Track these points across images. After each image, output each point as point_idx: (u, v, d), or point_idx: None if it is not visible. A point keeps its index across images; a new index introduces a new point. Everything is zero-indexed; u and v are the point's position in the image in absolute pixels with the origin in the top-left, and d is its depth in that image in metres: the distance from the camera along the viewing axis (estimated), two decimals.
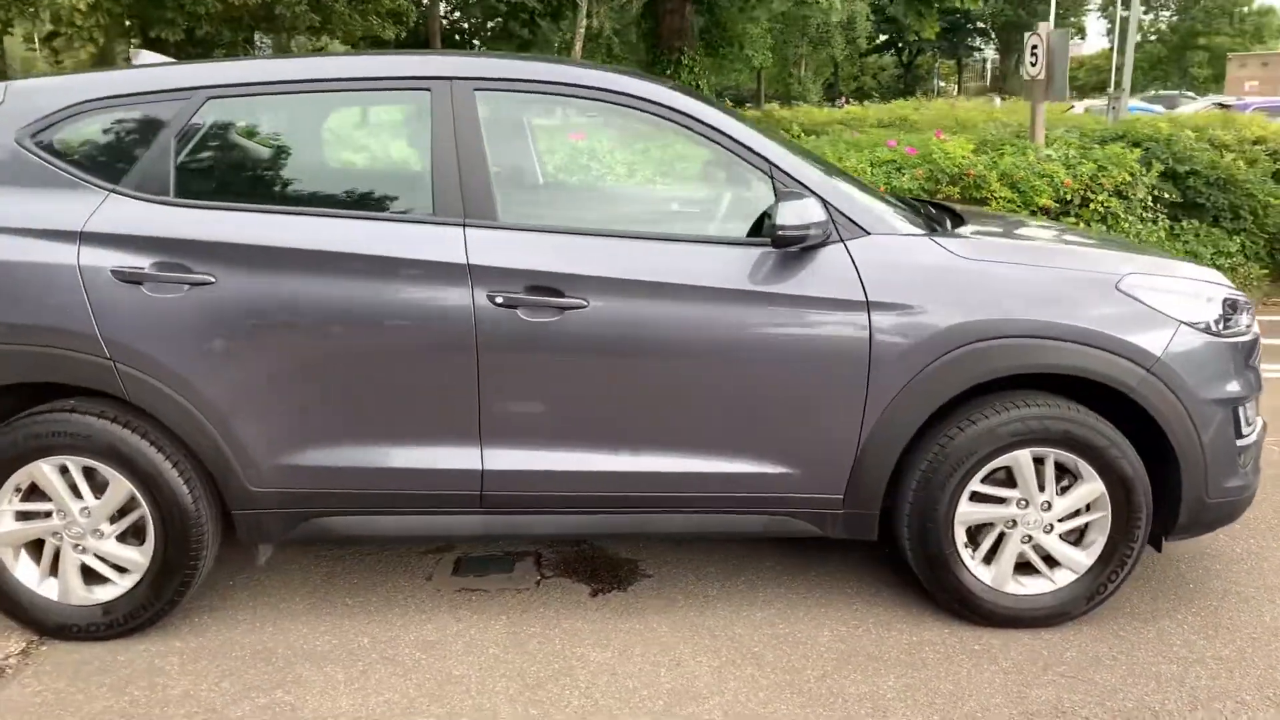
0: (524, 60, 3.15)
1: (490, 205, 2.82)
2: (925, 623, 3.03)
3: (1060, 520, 2.94)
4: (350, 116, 3.30)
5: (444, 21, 23.41)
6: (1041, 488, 2.91)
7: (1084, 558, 2.96)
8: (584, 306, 2.77)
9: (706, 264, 2.83)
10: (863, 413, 2.83)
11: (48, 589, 2.94)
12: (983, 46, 60.61)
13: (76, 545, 2.90)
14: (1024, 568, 3.00)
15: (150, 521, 2.87)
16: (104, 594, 2.94)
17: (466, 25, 31.02)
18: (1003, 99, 27.25)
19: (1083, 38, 62.95)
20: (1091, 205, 6.65)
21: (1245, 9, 55.97)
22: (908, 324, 2.78)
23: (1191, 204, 7.53)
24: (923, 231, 2.92)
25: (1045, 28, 6.54)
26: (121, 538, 2.92)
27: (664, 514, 2.95)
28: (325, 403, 2.83)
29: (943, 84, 62.75)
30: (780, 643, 2.94)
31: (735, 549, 3.51)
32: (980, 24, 55.34)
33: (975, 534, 2.98)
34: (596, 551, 3.52)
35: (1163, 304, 2.87)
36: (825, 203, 2.78)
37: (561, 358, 2.81)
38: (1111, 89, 13.18)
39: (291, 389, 2.81)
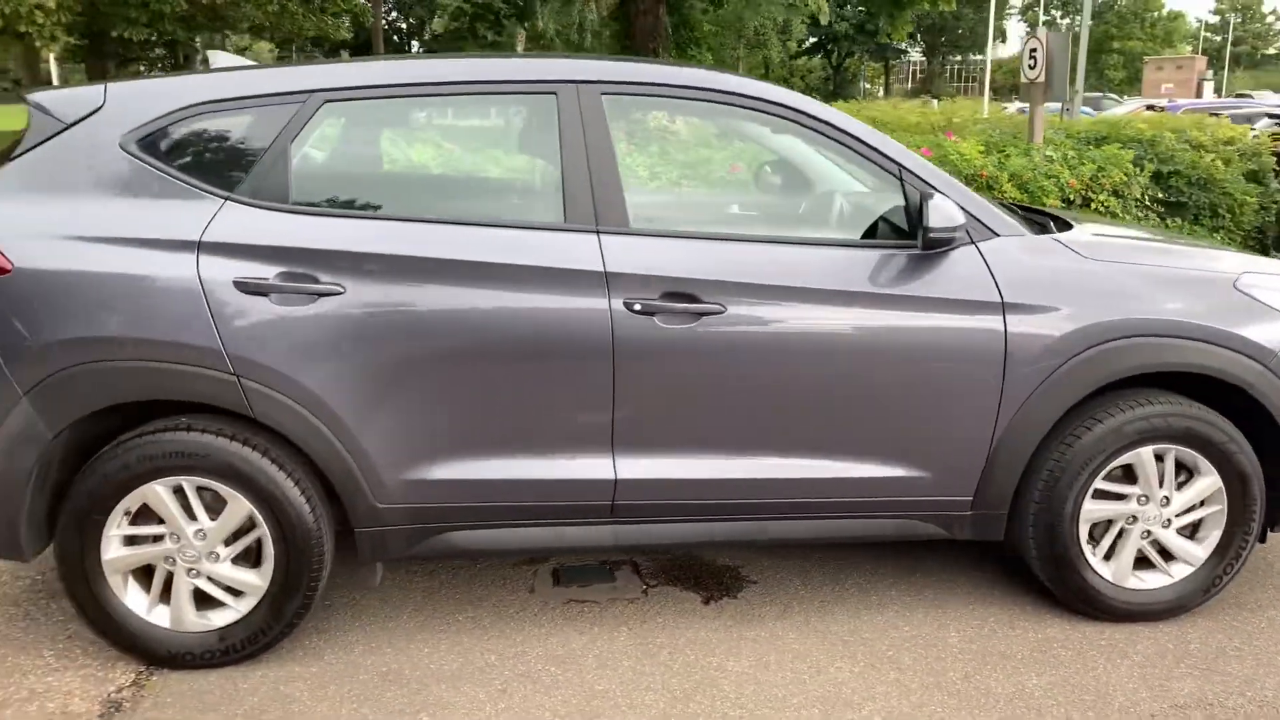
0: (651, 64, 3.10)
1: (622, 211, 2.77)
2: (1045, 620, 3.07)
3: (1178, 515, 3.00)
4: (472, 121, 3.20)
5: (384, 23, 23.06)
6: (1160, 483, 2.97)
7: (1200, 551, 3.02)
8: (721, 312, 2.73)
9: (839, 267, 2.82)
10: (996, 415, 2.85)
11: (158, 616, 2.80)
12: (908, 49, 61.85)
13: (190, 569, 2.77)
14: (1140, 563, 3.05)
15: (269, 542, 2.75)
16: (219, 619, 2.81)
17: (404, 26, 30.48)
18: (937, 100, 27.85)
19: (1004, 41, 64.68)
20: (1092, 205, 6.82)
21: (1155, 14, 58.10)
22: (1042, 325, 2.81)
23: (1175, 203, 7.78)
24: (1046, 233, 2.95)
25: (1043, 31, 6.69)
26: (236, 560, 2.79)
27: (796, 520, 2.94)
28: (455, 414, 2.75)
29: (868, 86, 63.87)
30: (912, 645, 2.95)
31: (832, 553, 3.51)
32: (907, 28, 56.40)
33: (1095, 531, 3.02)
34: (693, 559, 3.49)
35: (1277, 302, 2.95)
36: (957, 205, 2.79)
37: (697, 363, 2.77)
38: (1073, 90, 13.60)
39: (421, 401, 2.72)
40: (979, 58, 69.13)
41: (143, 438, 2.67)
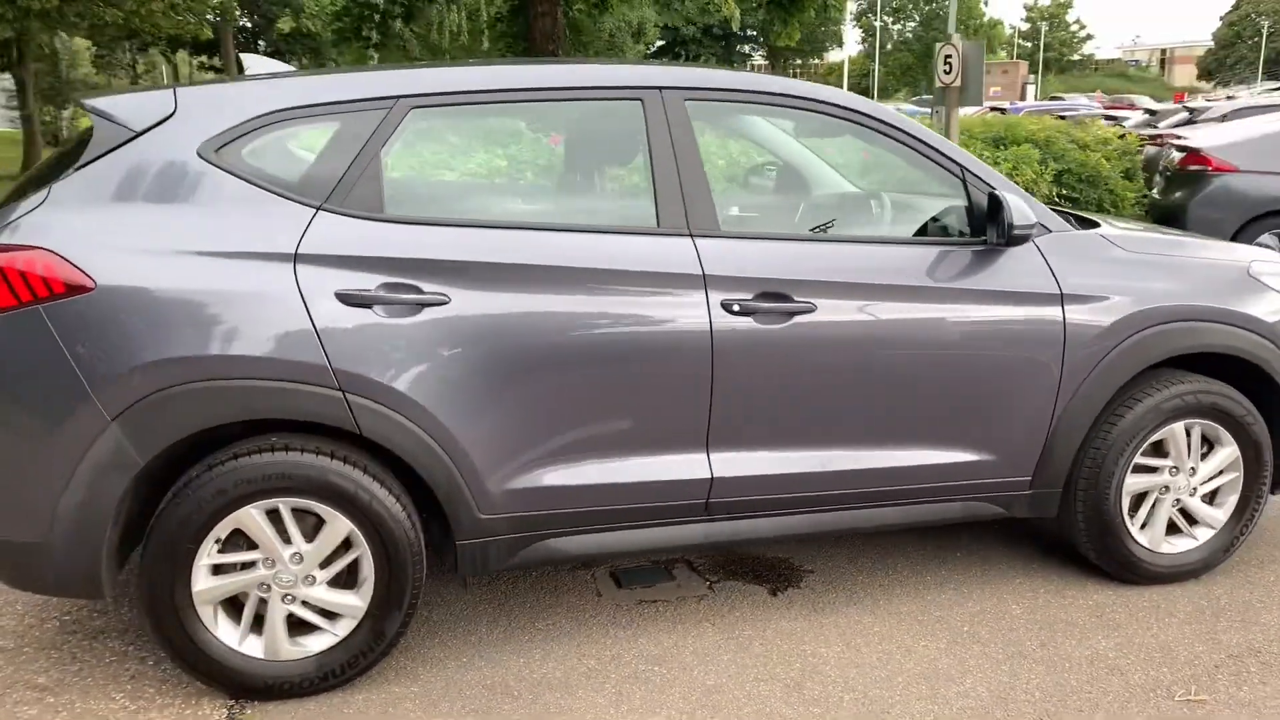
0: (731, 71, 3.15)
1: (712, 215, 2.83)
2: (1088, 588, 3.30)
3: (1202, 484, 3.29)
4: (557, 126, 3.17)
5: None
6: (1189, 455, 3.25)
7: (1221, 515, 3.32)
8: (811, 310, 2.83)
9: (913, 264, 2.97)
10: (1055, 399, 3.06)
11: (250, 647, 2.67)
12: (752, 53, 63.52)
13: (285, 595, 2.66)
14: (1169, 529, 3.32)
15: (368, 561, 2.68)
16: (316, 645, 2.71)
17: (248, 25, 29.29)
18: None
19: (840, 45, 67.35)
20: None
21: (978, 22, 61.72)
22: (1096, 313, 3.04)
23: (1069, 198, 8.39)
24: (1089, 228, 3.18)
25: (958, 39, 7.10)
26: (331, 582, 2.70)
27: (874, 508, 3.06)
28: (558, 420, 2.74)
29: None
30: (982, 619, 3.12)
31: (873, 540, 3.66)
32: (751, 32, 57.95)
33: (1134, 503, 3.27)
34: (744, 554, 3.57)
35: (1268, 279, 3.28)
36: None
37: (789, 361, 2.86)
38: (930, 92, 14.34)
39: (526, 408, 2.70)
40: (817, 61, 71.82)
41: (238, 460, 2.55)
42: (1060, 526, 3.30)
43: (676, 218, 2.80)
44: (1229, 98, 28.79)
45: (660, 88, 2.85)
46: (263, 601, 2.66)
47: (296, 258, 2.55)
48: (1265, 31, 76.18)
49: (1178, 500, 3.28)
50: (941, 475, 3.05)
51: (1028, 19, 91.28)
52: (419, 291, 2.60)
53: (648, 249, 2.78)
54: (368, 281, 2.57)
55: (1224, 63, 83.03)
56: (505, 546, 2.80)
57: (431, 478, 2.66)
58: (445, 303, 2.61)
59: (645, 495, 2.85)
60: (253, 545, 2.62)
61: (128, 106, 2.63)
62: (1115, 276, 3.08)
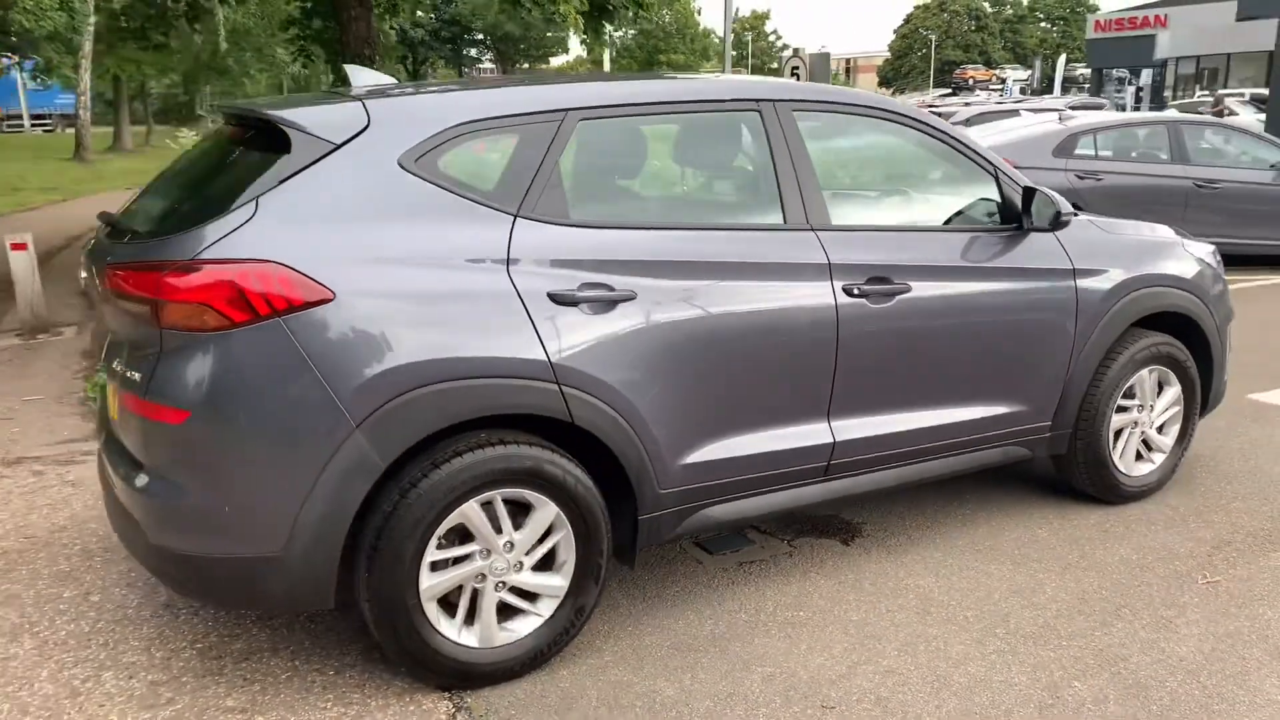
0: (818, 85, 3.53)
1: (824, 211, 3.24)
2: (1082, 510, 4.02)
3: (1158, 417, 4.09)
4: (694, 134, 3.41)
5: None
6: (1150, 395, 4.04)
7: (1169, 441, 4.15)
8: (908, 290, 3.31)
9: (972, 247, 3.52)
10: (1070, 354, 3.73)
11: (467, 637, 2.78)
12: (480, 56, 63.52)
13: (499, 583, 2.80)
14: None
15: (569, 542, 2.87)
16: (524, 628, 2.86)
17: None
18: None
19: (566, 50, 68.74)
20: None
21: (694, 31, 65.17)
22: (1096, 282, 3.74)
23: None
24: (1079, 214, 3.88)
25: (805, 51, 7.87)
26: (535, 567, 2.86)
27: (947, 458, 3.59)
28: (718, 398, 3.04)
29: None
30: (1025, 545, 3.74)
31: (901, 497, 4.17)
32: (479, 35, 57.97)
33: (1114, 437, 4.01)
34: (793, 515, 3.98)
35: (1204, 256, 4.14)
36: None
37: (892, 335, 3.32)
38: None
39: (694, 389, 2.98)
40: (545, 66, 72.84)
41: (463, 457, 2.66)
42: (1061, 463, 3.99)
43: (799, 214, 3.18)
44: (924, 104, 32.54)
45: (774, 100, 3.23)
46: (475, 592, 2.78)
47: (509, 262, 2.70)
48: (933, 44, 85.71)
49: (1143, 433, 4.07)
50: (994, 425, 3.64)
51: (733, 30, 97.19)
52: (611, 289, 2.82)
53: (787, 242, 3.14)
54: (571, 282, 2.77)
55: (900, 71, 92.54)
56: (673, 518, 3.07)
57: (625, 458, 2.89)
58: (633, 298, 2.85)
59: (781, 462, 3.22)
60: (467, 538, 2.74)
61: (322, 120, 2.66)
62: (1106, 252, 3.80)
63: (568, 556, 2.87)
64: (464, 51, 60.89)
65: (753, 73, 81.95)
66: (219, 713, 2.72)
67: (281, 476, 2.50)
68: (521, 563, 2.82)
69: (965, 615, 3.22)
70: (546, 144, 2.85)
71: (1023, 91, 63.43)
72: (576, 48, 73.94)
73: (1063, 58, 61.86)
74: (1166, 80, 44.00)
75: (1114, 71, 49.27)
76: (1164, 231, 4.20)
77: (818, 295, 3.16)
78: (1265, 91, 31.45)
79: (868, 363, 3.30)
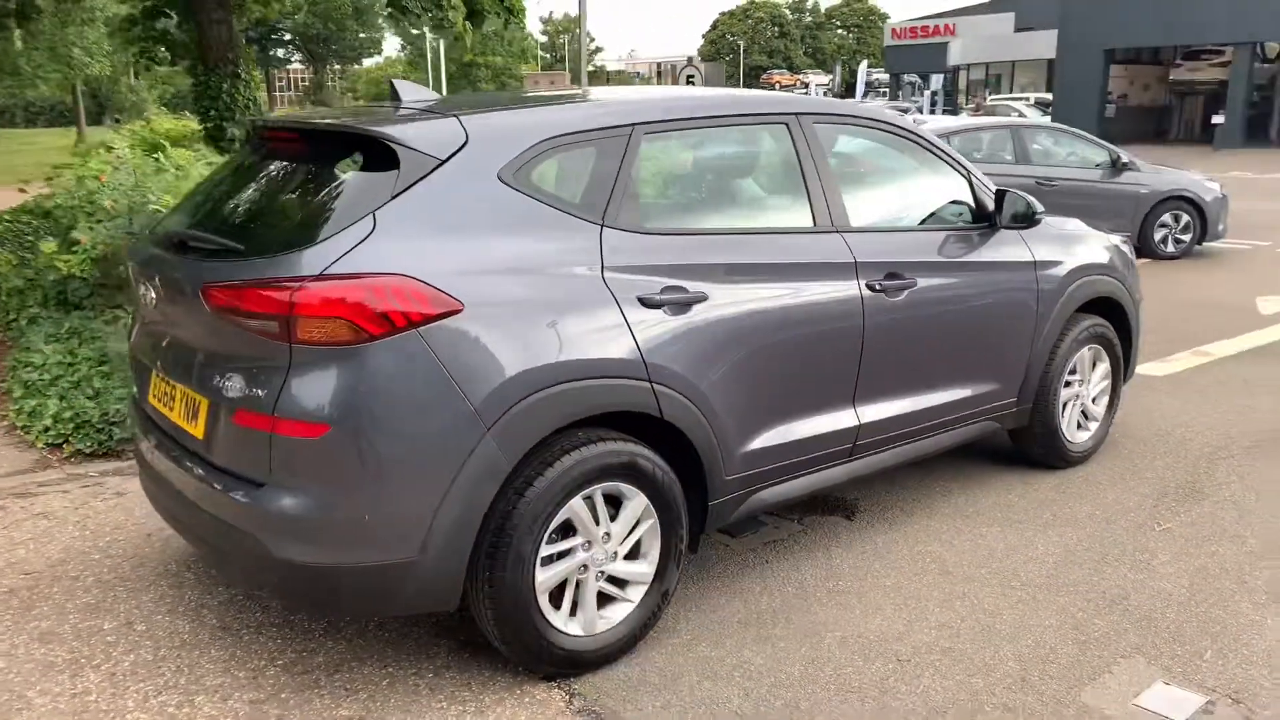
0: (828, 100, 3.82)
1: (845, 213, 3.55)
2: (1039, 475, 4.51)
3: (1094, 389, 4.65)
4: (733, 145, 3.59)
5: None
6: (1090, 371, 4.59)
7: (1101, 410, 4.72)
8: (914, 286, 3.67)
9: (957, 244, 3.91)
10: (1032, 337, 4.20)
11: (573, 627, 2.92)
12: (289, 57, 61.14)
13: (598, 573, 2.95)
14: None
15: (655, 530, 3.05)
16: (618, 614, 3.02)
17: None
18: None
19: (379, 53, 67.21)
20: None
21: (513, 34, 64.94)
22: (1052, 272, 4.23)
23: None
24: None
25: (698, 59, 8.21)
26: (626, 556, 3.02)
27: (940, 434, 3.98)
28: (771, 389, 3.29)
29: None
30: (1003, 509, 4.18)
31: (882, 476, 4.52)
32: (288, 36, 55.84)
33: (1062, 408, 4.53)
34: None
35: (1121, 246, 4.73)
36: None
37: (902, 325, 3.66)
38: None
39: (753, 382, 3.22)
40: (358, 68, 70.85)
41: (570, 455, 2.80)
42: (1021, 434, 4.46)
43: (826, 217, 3.48)
44: None
45: (798, 113, 3.51)
46: (578, 583, 2.92)
47: (603, 269, 2.86)
48: (742, 48, 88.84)
49: (1082, 404, 4.61)
50: (977, 403, 4.06)
51: (544, 32, 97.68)
52: (686, 291, 3.02)
53: (823, 244, 3.43)
54: (653, 286, 2.95)
55: None
56: (734, 503, 3.30)
57: (701, 449, 3.10)
58: (705, 299, 3.06)
59: (818, 446, 3.50)
60: (570, 533, 2.88)
61: (426, 136, 2.73)
62: (1056, 245, 4.30)
63: (653, 544, 3.05)
64: (271, 52, 58.50)
65: (570, 79, 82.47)
66: (349, 713, 2.74)
67: (420, 483, 2.57)
68: (616, 552, 2.98)
69: (980, 573, 3.61)
70: (620, 157, 3.02)
71: (825, 96, 67.08)
72: (390, 49, 72.32)
73: (864, 63, 65.49)
74: (959, 85, 47.42)
75: (905, 77, 52.85)
76: (1081, 225, 4.76)
77: (848, 291, 3.46)
78: (1048, 95, 34.81)
79: (885, 351, 3.63)
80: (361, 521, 2.55)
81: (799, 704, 2.82)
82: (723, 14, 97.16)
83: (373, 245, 2.55)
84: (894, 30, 53.86)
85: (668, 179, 3.29)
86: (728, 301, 3.12)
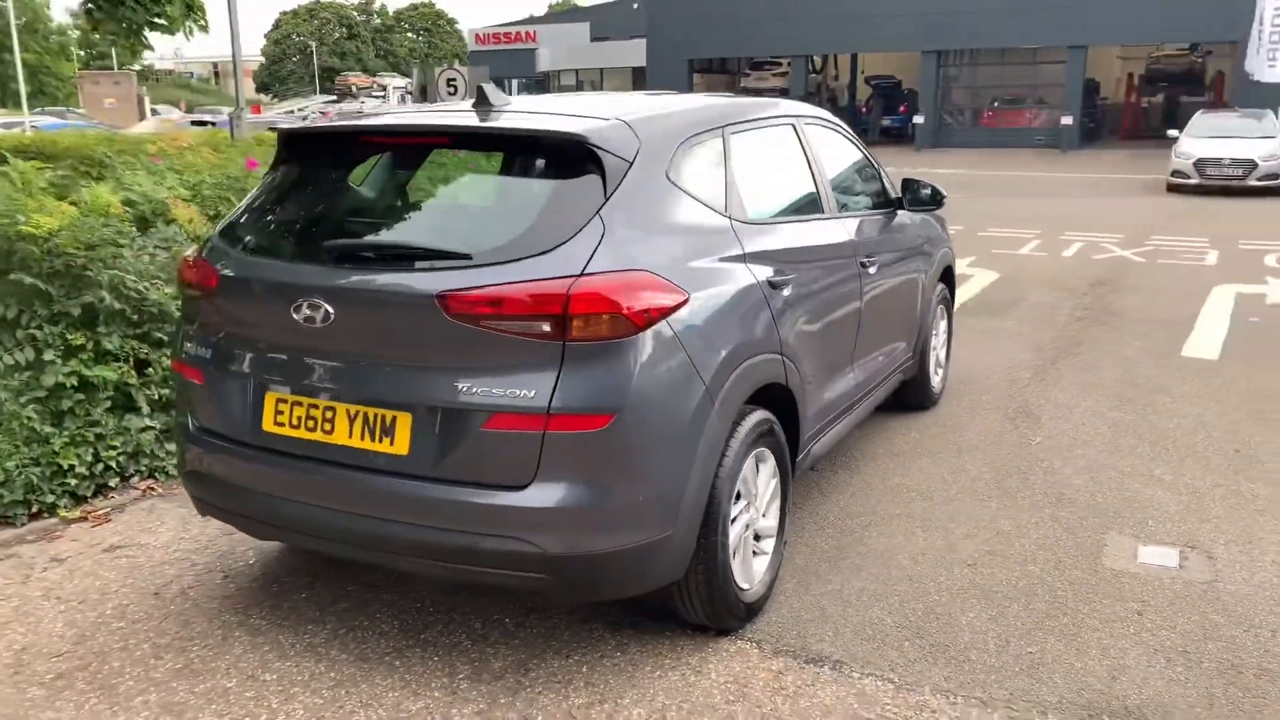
0: (807, 104, 4.27)
1: (834, 202, 4.13)
2: (923, 418, 5.41)
3: (940, 340, 5.66)
4: (772, 143, 3.85)
5: None
6: (942, 327, 5.59)
7: (944, 356, 5.75)
8: (878, 261, 4.35)
9: (886, 225, 4.64)
10: (921, 301, 5.08)
11: (743, 581, 3.21)
12: None
13: (754, 532, 3.28)
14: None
15: (778, 489, 3.44)
16: (760, 566, 3.36)
17: None
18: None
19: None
20: None
21: (46, 26, 57.14)
22: (930, 246, 5.14)
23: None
24: None
25: (458, 65, 8.27)
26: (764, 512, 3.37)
27: (883, 387, 4.70)
28: (822, 354, 3.77)
29: None
30: (920, 447, 5.01)
31: None
32: None
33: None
34: None
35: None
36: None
37: (875, 295, 4.31)
38: (237, 107, 14.39)
39: (815, 348, 3.67)
40: None
41: (742, 425, 3.10)
42: (909, 384, 5.32)
43: (829, 205, 4.04)
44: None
45: (796, 115, 4.02)
46: (742, 540, 3.23)
47: (745, 258, 3.19)
48: (314, 49, 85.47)
49: (937, 354, 5.60)
50: (900, 357, 4.85)
51: (77, 26, 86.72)
52: (785, 274, 3.43)
53: (835, 228, 3.98)
54: (770, 270, 3.33)
55: (277, 76, 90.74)
56: (804, 459, 3.76)
57: (800, 412, 3.53)
58: (795, 278, 3.49)
59: (841, 403, 4.07)
60: (737, 497, 3.18)
61: (616, 139, 2.89)
62: (926, 224, 5.21)
63: (776, 501, 3.43)
64: None
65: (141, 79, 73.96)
66: (583, 708, 2.83)
67: (677, 460, 2.76)
68: (764, 511, 3.32)
69: (952, 494, 4.39)
70: (724, 154, 3.35)
71: (402, 99, 66.73)
72: None
73: (444, 67, 65.97)
74: (550, 90, 49.75)
75: (490, 83, 54.38)
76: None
77: (853, 267, 4.05)
78: None
79: (867, 317, 4.27)
80: (635, 504, 2.69)
81: (933, 610, 3.37)
82: (284, 13, 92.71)
83: (611, 245, 2.68)
84: (478, 35, 55.06)
85: (751, 172, 3.61)
86: (802, 281, 3.56)
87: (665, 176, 3.00)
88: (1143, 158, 24.84)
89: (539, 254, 2.63)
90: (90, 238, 4.48)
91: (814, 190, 3.99)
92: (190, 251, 3.23)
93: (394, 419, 2.74)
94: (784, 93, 34.43)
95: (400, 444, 2.73)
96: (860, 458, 4.82)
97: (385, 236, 2.90)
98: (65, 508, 4.20)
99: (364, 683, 2.97)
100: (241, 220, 3.16)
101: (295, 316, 2.76)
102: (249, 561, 3.77)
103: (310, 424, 2.85)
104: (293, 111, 39.53)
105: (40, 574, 3.69)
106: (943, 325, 5.67)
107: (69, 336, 4.40)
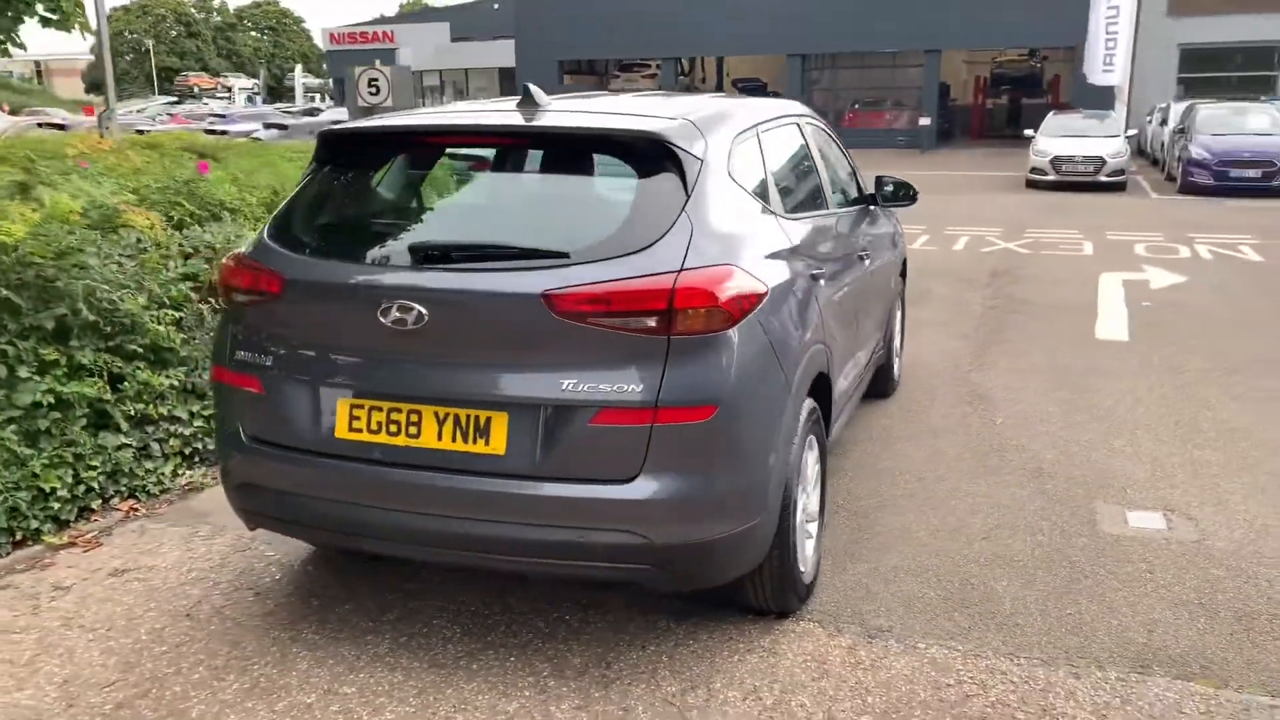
0: (801, 104, 4.39)
1: (834, 199, 4.30)
2: (885, 405, 5.66)
3: (898, 327, 5.93)
4: (785, 142, 3.93)
5: None
6: (898, 318, 5.86)
7: (899, 345, 6.03)
8: (867, 256, 4.55)
9: (868, 218, 4.84)
10: (891, 292, 5.32)
11: (802, 563, 3.31)
12: None
13: (808, 516, 3.40)
14: None
15: (820, 471, 3.57)
16: (808, 546, 3.47)
17: None
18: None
19: None
20: None
21: None
22: (897, 239, 5.40)
23: None
24: None
25: (378, 63, 8.11)
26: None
27: (869, 374, 4.91)
28: (841, 343, 3.89)
29: None
30: (892, 431, 5.25)
31: None
32: None
33: None
34: None
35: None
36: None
37: (867, 284, 4.50)
38: (107, 107, 13.57)
39: (839, 337, 3.82)
40: None
41: (802, 412, 3.21)
42: (878, 372, 5.55)
43: (833, 199, 4.22)
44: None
45: (798, 115, 4.18)
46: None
47: (791, 250, 3.31)
48: (151, 49, 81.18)
49: (896, 343, 5.86)
50: (879, 347, 5.07)
51: None
52: (820, 267, 3.58)
53: (841, 222, 4.15)
54: (811, 263, 3.46)
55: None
56: (830, 441, 3.91)
57: (833, 398, 3.67)
58: (825, 269, 3.63)
59: (851, 390, 4.25)
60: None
61: (688, 138, 2.95)
62: (893, 223, 5.46)
63: (818, 484, 3.56)
64: None
65: None
66: (679, 695, 2.88)
67: (767, 447, 2.86)
68: (809, 495, 3.45)
69: (940, 473, 4.63)
70: (760, 151, 3.47)
71: (249, 100, 64.29)
72: None
73: (299, 67, 63.95)
74: (415, 90, 48.78)
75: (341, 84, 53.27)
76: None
77: (855, 260, 4.24)
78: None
79: (864, 308, 4.46)
80: (734, 492, 2.77)
81: (968, 581, 3.57)
82: (116, 9, 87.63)
83: (701, 241, 2.76)
84: (333, 35, 53.51)
85: (778, 169, 3.72)
86: (831, 273, 3.71)
87: (728, 173, 3.08)
88: (995, 156, 26.33)
89: (636, 251, 2.68)
90: (58, 245, 4.23)
91: (820, 186, 4.15)
92: (235, 255, 3.11)
93: (488, 419, 2.73)
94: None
95: (496, 444, 2.72)
96: (843, 443, 5.01)
97: (477, 236, 2.88)
98: (49, 533, 3.97)
99: (448, 688, 2.94)
100: (296, 222, 3.07)
101: (383, 320, 2.71)
102: (275, 578, 3.65)
103: (393, 428, 2.81)
104: (132, 113, 37.45)
105: (50, 604, 3.48)
106: (898, 315, 5.94)
107: (41, 352, 4.14)
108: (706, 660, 3.06)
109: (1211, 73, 28.63)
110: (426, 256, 2.78)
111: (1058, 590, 3.49)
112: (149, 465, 4.46)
